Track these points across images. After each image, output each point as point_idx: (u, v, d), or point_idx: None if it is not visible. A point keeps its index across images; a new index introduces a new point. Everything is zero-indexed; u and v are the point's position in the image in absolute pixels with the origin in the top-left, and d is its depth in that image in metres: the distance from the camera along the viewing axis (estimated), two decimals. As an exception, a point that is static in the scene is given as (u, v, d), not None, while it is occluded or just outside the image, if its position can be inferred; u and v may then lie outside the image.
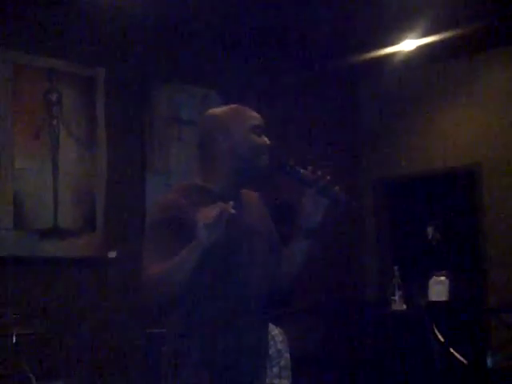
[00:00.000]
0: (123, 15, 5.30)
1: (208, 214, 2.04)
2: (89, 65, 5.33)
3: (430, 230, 6.38)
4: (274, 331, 3.73)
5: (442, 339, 5.17)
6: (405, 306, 5.90)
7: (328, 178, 2.36)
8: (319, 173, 2.36)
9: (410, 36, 5.90)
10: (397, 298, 5.92)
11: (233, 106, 2.44)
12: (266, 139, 2.37)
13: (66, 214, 5.13)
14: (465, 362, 5.10)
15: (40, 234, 4.99)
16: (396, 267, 6.04)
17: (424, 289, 5.87)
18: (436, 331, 5.18)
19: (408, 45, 6.08)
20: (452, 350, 5.14)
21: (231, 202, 2.08)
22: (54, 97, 5.17)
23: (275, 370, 3.67)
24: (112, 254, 5.33)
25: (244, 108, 2.43)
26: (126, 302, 5.34)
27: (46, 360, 4.80)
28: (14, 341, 4.06)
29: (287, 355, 3.76)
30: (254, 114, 2.41)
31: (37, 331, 4.30)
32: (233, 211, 2.04)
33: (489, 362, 5.37)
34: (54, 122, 5.15)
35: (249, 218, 2.37)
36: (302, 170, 2.36)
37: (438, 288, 5.79)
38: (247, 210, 2.39)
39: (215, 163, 2.35)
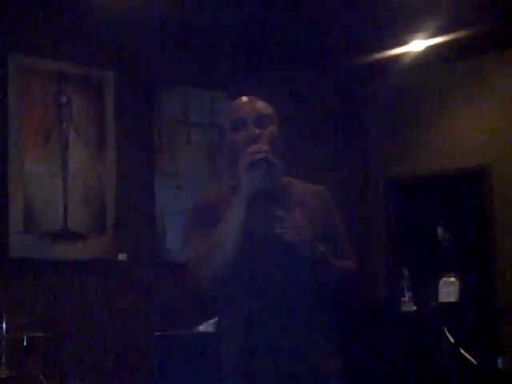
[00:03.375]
0: (132, 18, 5.31)
1: (245, 158, 2.12)
2: (98, 68, 5.35)
3: (439, 231, 6.37)
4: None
5: (452, 340, 5.15)
6: (415, 307, 5.89)
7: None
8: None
9: (419, 37, 5.89)
10: (406, 299, 5.91)
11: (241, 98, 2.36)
12: (246, 133, 2.23)
13: (76, 217, 5.15)
14: (475, 362, 5.08)
15: (50, 236, 5.00)
16: (405, 268, 6.03)
17: (434, 290, 5.86)
18: (446, 332, 5.17)
19: (417, 45, 6.07)
20: (462, 351, 5.12)
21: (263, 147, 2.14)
22: (63, 100, 5.19)
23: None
24: (122, 257, 5.34)
25: (240, 100, 2.33)
26: (135, 304, 5.35)
27: (57, 362, 4.82)
28: (25, 343, 4.07)
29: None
30: (245, 105, 2.29)
31: (47, 333, 4.31)
32: (264, 149, 2.13)
33: (499, 362, 5.35)
34: (64, 124, 5.17)
35: (284, 210, 2.19)
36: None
37: (448, 289, 5.77)
38: (285, 203, 2.23)
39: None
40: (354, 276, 2.39)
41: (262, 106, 2.31)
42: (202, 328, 4.14)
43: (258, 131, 2.24)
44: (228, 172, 2.38)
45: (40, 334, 4.22)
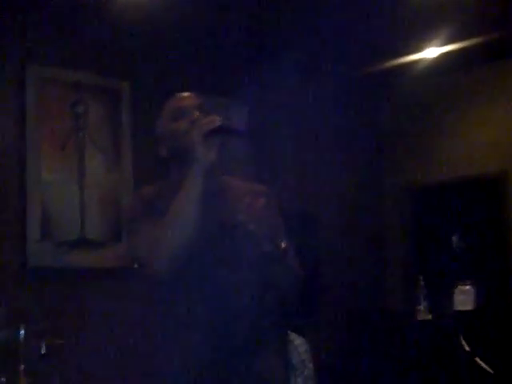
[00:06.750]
0: (148, 29, 5.35)
1: (199, 127, 1.99)
2: (114, 77, 5.39)
3: (454, 239, 6.35)
4: (297, 341, 3.74)
5: (467, 348, 5.14)
6: (430, 316, 5.87)
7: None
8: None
9: (433, 43, 5.90)
10: (422, 307, 5.90)
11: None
12: (187, 119, 2.11)
13: (92, 225, 5.18)
14: (491, 371, 5.07)
15: (67, 245, 5.04)
16: (421, 276, 6.02)
17: (449, 298, 5.85)
18: (462, 341, 5.16)
19: (432, 52, 6.08)
20: (478, 360, 5.11)
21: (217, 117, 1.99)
22: (80, 109, 5.22)
23: (299, 380, 3.68)
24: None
25: (178, 95, 2.24)
26: (151, 312, 5.37)
27: (75, 370, 4.84)
28: (43, 351, 4.10)
29: (311, 365, 3.75)
30: (181, 97, 2.21)
31: (65, 342, 4.34)
32: (218, 122, 1.99)
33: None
34: (81, 134, 5.21)
35: (230, 209, 2.10)
36: None
37: (464, 297, 5.76)
38: (229, 201, 2.15)
39: None
40: (300, 279, 2.21)
41: (202, 98, 2.20)
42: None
43: (200, 115, 2.11)
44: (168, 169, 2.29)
45: (58, 342, 4.25)
